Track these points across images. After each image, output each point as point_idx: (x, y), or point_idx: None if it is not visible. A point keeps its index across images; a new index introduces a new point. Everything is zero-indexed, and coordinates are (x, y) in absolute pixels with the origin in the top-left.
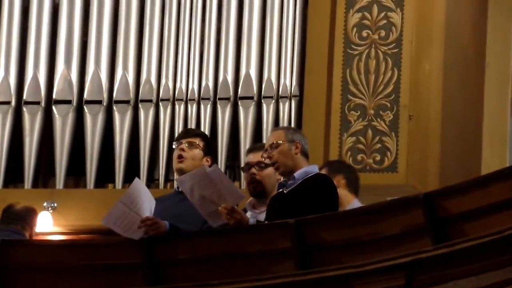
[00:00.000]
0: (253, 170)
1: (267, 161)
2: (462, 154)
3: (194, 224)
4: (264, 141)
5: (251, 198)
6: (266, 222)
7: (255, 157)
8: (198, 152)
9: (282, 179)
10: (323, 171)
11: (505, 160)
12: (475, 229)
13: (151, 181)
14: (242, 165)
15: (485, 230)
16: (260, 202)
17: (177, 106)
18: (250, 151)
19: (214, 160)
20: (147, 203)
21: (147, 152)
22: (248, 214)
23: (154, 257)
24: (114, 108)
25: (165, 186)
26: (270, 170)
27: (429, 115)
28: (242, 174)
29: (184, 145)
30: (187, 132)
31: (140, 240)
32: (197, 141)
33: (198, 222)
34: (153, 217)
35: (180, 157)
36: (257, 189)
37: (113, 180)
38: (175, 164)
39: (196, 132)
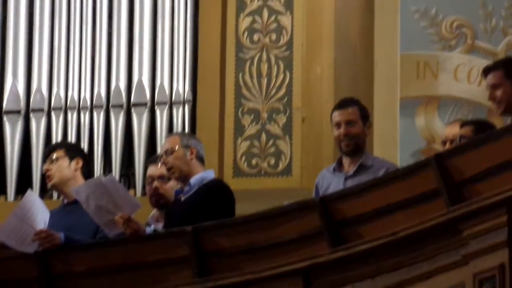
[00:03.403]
0: (156, 183)
1: (163, 167)
2: None
3: (86, 234)
4: (159, 147)
5: (154, 211)
6: (163, 230)
7: (157, 169)
8: (61, 162)
9: (178, 186)
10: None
11: (396, 161)
12: (371, 231)
13: (44, 192)
14: (136, 173)
15: (380, 232)
16: (163, 214)
17: (69, 115)
18: (151, 163)
19: (109, 168)
20: (41, 215)
21: (39, 163)
22: (152, 227)
23: (49, 270)
24: (4, 118)
25: (58, 197)
26: (172, 182)
27: (322, 117)
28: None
29: (47, 165)
30: (46, 152)
31: (35, 253)
32: (55, 154)
33: (90, 232)
34: (48, 230)
35: (48, 177)
36: (160, 201)
37: (4, 192)
38: (48, 184)
39: (53, 147)
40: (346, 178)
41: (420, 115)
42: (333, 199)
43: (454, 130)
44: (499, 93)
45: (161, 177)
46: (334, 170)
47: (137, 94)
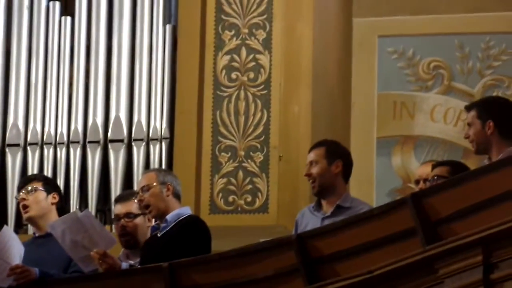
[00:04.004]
0: (123, 221)
1: (139, 204)
2: None
3: (56, 268)
4: (135, 183)
5: (123, 249)
6: (139, 266)
7: (123, 207)
8: (39, 194)
9: (154, 223)
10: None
11: (372, 200)
12: (347, 269)
13: (20, 227)
14: (112, 209)
15: (356, 270)
16: (133, 252)
17: (45, 150)
18: (117, 201)
19: (85, 203)
20: (16, 250)
21: (14, 198)
22: (127, 264)
23: None
24: None
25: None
26: (140, 219)
27: (299, 155)
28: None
29: (24, 194)
30: (23, 181)
31: None
32: (34, 184)
33: (61, 265)
34: (23, 265)
35: (24, 207)
36: (130, 242)
37: None
38: (24, 216)
39: (30, 178)
40: (323, 219)
41: (397, 154)
42: (310, 236)
43: (426, 170)
44: (471, 132)
45: (127, 215)
46: (314, 209)
47: (114, 130)
